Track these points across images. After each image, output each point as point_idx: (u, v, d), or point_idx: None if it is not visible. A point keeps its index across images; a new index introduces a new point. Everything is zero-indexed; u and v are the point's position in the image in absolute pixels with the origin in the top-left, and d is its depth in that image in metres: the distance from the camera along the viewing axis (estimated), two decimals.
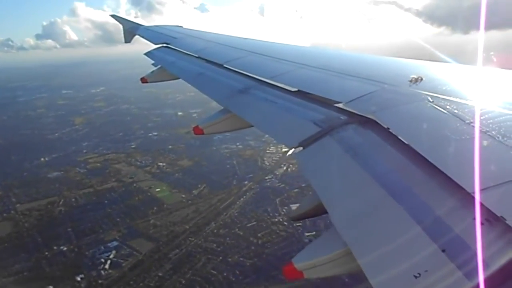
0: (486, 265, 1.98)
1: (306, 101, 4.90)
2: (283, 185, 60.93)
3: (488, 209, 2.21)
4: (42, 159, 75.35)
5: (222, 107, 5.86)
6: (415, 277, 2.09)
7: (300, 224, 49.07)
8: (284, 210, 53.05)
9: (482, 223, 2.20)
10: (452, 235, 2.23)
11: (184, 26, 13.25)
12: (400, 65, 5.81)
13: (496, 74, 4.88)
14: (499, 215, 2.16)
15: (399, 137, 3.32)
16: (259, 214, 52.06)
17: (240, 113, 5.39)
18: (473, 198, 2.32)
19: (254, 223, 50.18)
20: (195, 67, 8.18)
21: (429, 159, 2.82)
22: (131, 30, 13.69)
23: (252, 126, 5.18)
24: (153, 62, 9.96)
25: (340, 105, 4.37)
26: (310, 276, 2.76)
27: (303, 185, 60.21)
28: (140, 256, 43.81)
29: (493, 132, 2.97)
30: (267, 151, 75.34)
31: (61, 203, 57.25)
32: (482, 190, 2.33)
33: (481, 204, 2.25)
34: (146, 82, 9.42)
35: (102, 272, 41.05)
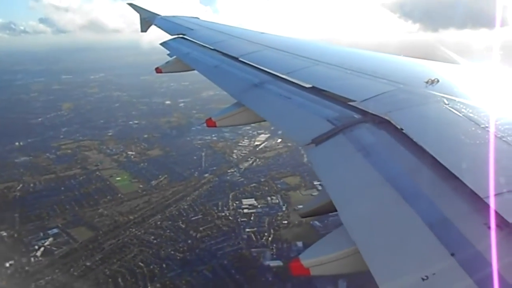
0: (495, 271, 1.95)
1: (320, 98, 4.92)
2: (242, 179, 60.37)
3: (499, 215, 2.20)
4: (17, 143, 76.13)
5: (235, 100, 5.89)
6: (423, 279, 2.07)
7: (245, 220, 48.78)
8: (235, 204, 52.62)
9: (493, 229, 2.19)
10: (461, 240, 2.21)
11: (201, 18, 13.54)
12: (416, 65, 5.74)
13: None
14: (510, 221, 2.15)
15: (413, 139, 3.30)
16: (207, 208, 51.63)
17: (254, 107, 5.42)
18: (485, 203, 2.31)
19: (200, 216, 49.80)
20: (210, 59, 8.28)
21: (442, 162, 2.80)
22: (148, 19, 13.88)
23: (265, 120, 5.27)
24: (168, 52, 10.14)
25: (354, 104, 4.35)
26: (316, 274, 2.75)
27: (262, 180, 59.96)
28: (76, 244, 43.92)
29: (509, 138, 2.95)
30: (240, 144, 74.77)
31: (18, 188, 57.74)
32: (494, 195, 2.31)
33: (493, 210, 2.24)
34: (161, 72, 9.69)
35: (32, 259, 41.30)
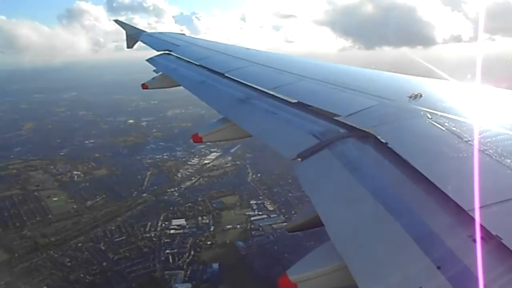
0: (480, 284, 1.96)
1: (306, 113, 4.93)
2: (179, 199, 59.67)
3: (484, 228, 2.23)
4: None
5: (220, 116, 5.91)
6: None
7: (168, 241, 48.00)
8: (164, 224, 51.84)
9: (478, 241, 2.19)
10: (447, 252, 2.22)
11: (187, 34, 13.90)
12: (400, 80, 5.86)
13: (494, 93, 4.98)
14: (494, 233, 2.17)
15: (398, 153, 3.32)
16: (135, 229, 50.77)
17: (240, 123, 5.43)
18: (469, 216, 2.34)
19: (124, 237, 48.99)
20: (196, 75, 8.23)
21: (427, 176, 2.83)
22: (133, 36, 14.00)
23: (251, 136, 5.25)
24: (154, 68, 10.08)
25: (339, 118, 4.36)
26: None
27: (199, 199, 59.30)
28: None
29: (491, 151, 3.01)
30: (188, 163, 74.21)
31: None
32: (478, 208, 2.34)
33: (477, 222, 2.27)
34: (147, 88, 9.63)
35: None
